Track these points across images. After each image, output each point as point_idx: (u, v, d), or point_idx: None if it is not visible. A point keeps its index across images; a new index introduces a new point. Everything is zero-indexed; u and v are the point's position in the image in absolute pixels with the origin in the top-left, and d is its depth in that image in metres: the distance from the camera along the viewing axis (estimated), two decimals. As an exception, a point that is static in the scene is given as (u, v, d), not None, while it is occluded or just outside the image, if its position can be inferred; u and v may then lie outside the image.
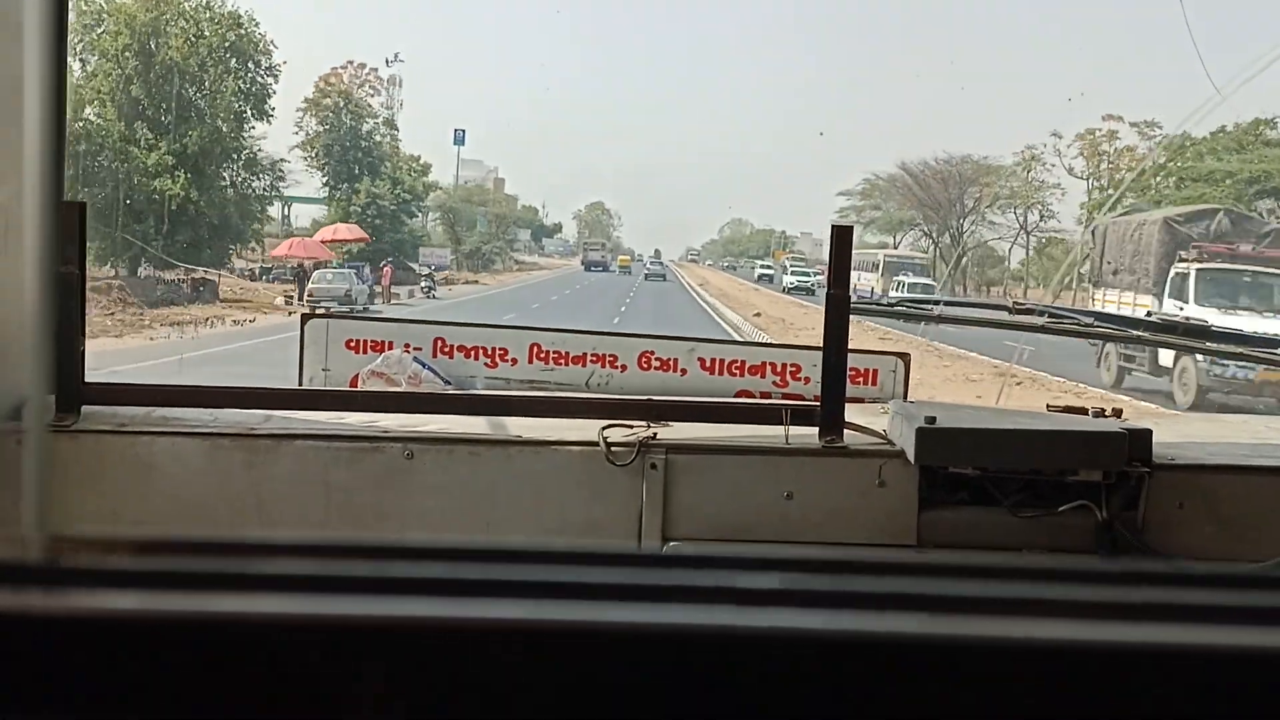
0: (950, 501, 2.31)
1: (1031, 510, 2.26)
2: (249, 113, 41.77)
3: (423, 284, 41.75)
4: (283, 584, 0.65)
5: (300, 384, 2.92)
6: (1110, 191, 55.78)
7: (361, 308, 32.27)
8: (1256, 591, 0.72)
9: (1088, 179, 59.79)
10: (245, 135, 42.08)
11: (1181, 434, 2.63)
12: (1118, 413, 2.64)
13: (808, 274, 52.03)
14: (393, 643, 0.63)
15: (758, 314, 34.65)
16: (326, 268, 36.67)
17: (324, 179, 56.06)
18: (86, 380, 2.38)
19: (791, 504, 2.32)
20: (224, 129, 40.22)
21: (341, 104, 57.42)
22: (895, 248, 68.08)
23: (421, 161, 60.54)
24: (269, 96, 42.56)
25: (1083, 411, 2.63)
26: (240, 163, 41.81)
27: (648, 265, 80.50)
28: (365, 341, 2.95)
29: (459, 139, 76.08)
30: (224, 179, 40.78)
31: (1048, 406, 2.73)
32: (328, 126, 56.45)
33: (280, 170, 46.66)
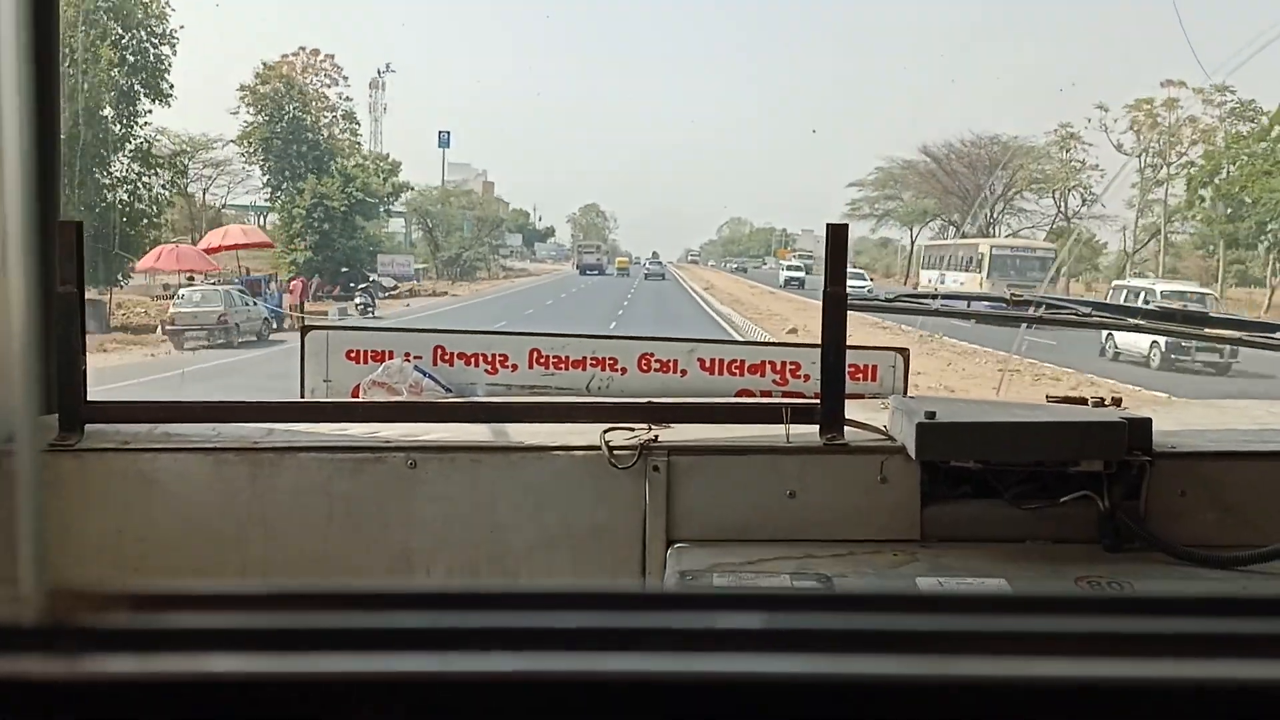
0: (953, 496, 2.32)
1: (1034, 502, 2.27)
2: (139, 91, 34.26)
3: (357, 300, 34.17)
4: (270, 640, 0.64)
5: (302, 396, 2.92)
6: (1170, 169, 48.96)
7: (252, 336, 25.27)
8: (1248, 619, 0.71)
9: (1141, 155, 51.01)
10: (137, 120, 34.53)
11: (1181, 421, 2.63)
12: (1117, 402, 2.65)
13: (862, 279, 41.87)
14: (383, 700, 0.62)
15: (792, 330, 27.02)
16: (199, 284, 28.00)
17: (264, 177, 49.28)
18: (89, 399, 2.39)
19: (794, 502, 2.33)
20: (107, 111, 33.17)
21: (284, 91, 50.44)
22: (913, 240, 63.89)
23: (390, 160, 55.12)
24: (165, 71, 34.92)
25: (1082, 402, 2.64)
26: (129, 155, 34.12)
27: (646, 266, 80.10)
28: (366, 352, 2.96)
29: (444, 141, 73.12)
30: (106, 174, 33.09)
31: (1047, 397, 2.74)
32: (267, 117, 49.35)
33: (180, 164, 39.44)
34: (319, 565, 2.33)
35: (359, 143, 56.23)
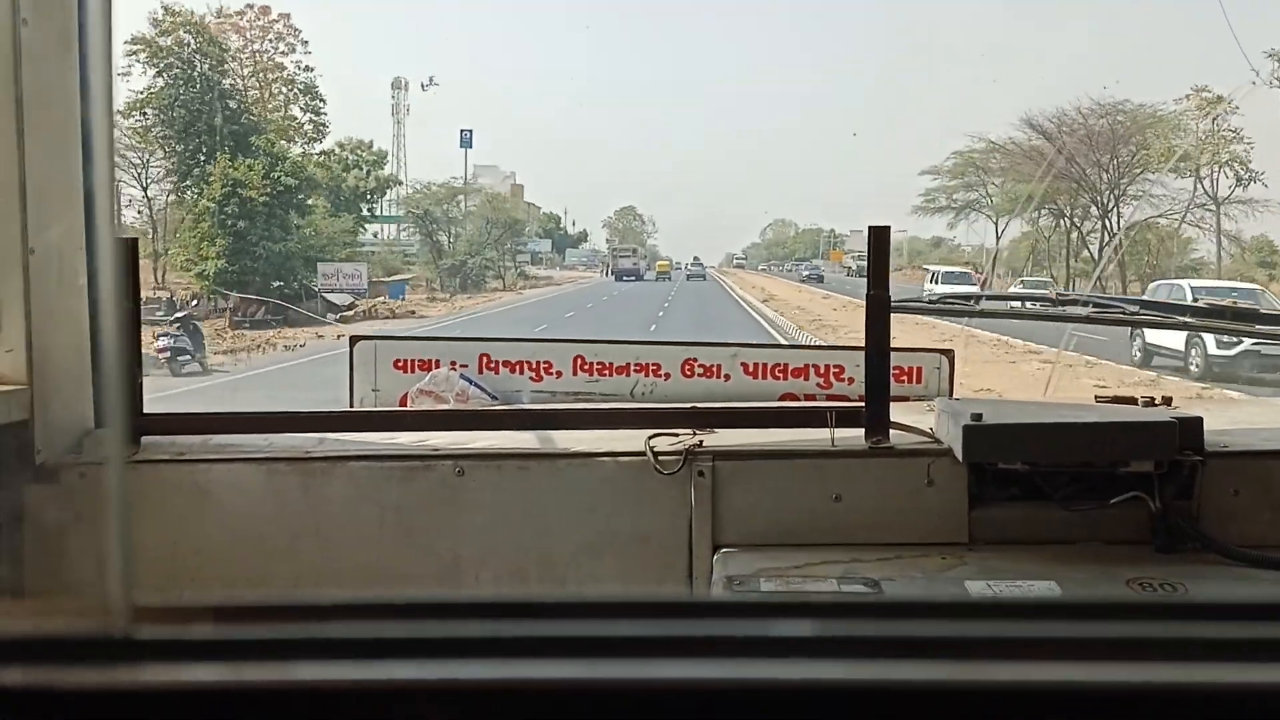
0: (1001, 498, 2.30)
1: (1084, 504, 2.25)
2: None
3: (160, 344, 21.05)
4: (320, 649, 0.66)
5: (351, 405, 2.97)
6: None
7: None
8: None
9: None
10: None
11: (1232, 420, 2.59)
12: (1167, 401, 2.61)
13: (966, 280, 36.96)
14: (444, 706, 0.64)
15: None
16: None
17: (165, 158, 37.44)
18: (145, 411, 2.44)
19: (840, 506, 2.33)
20: None
21: (191, 44, 38.26)
22: (998, 237, 54.66)
23: (373, 149, 48.42)
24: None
25: (1131, 401, 2.61)
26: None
27: (688, 269, 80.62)
28: (413, 361, 3.00)
29: (465, 140, 68.65)
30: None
31: (1096, 397, 2.71)
32: (171, 78, 36.84)
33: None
34: (371, 574, 2.37)
35: (324, 123, 47.45)
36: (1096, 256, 49.44)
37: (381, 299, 39.47)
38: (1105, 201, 48.91)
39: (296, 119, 47.59)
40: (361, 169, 48.04)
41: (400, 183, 53.51)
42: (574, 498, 2.38)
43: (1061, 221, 52.33)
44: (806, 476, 2.35)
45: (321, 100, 47.32)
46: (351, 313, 35.17)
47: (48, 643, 0.65)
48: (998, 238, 56.86)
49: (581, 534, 2.38)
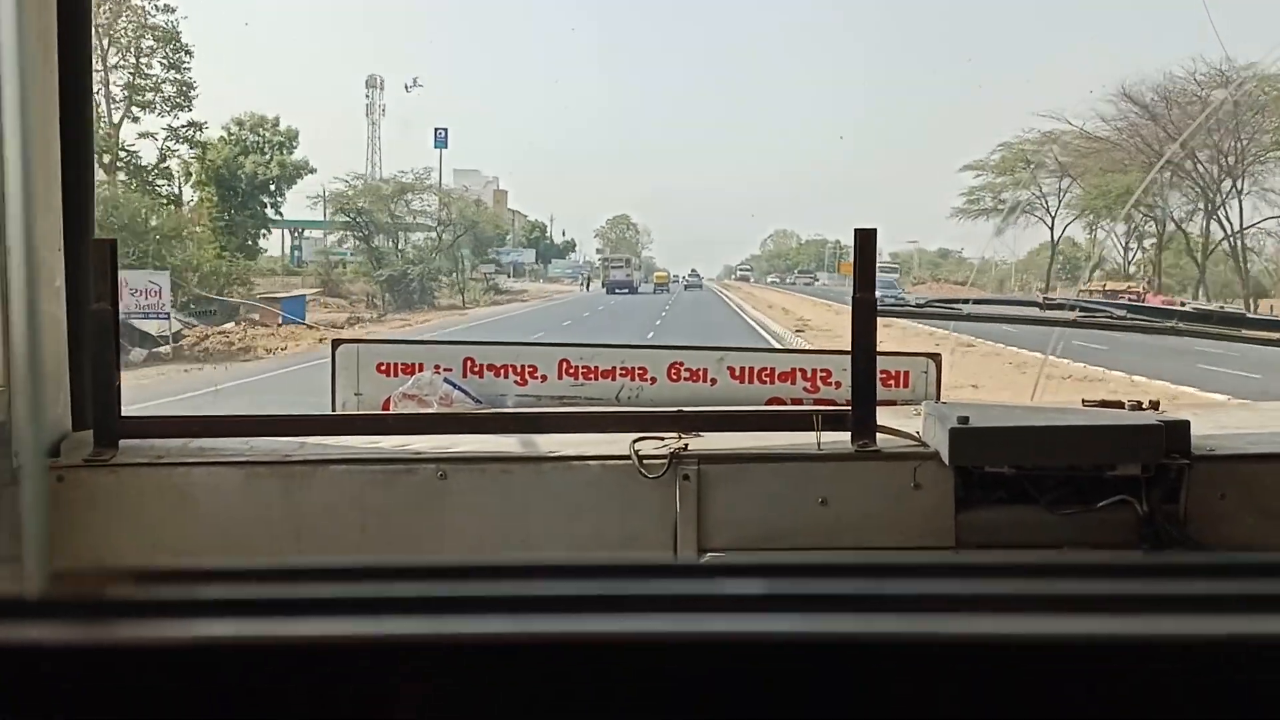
0: (987, 501, 2.29)
1: (1071, 507, 2.24)
2: None
3: None
4: (322, 607, 0.66)
5: (333, 409, 2.94)
6: None
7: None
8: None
9: None
10: None
11: (1219, 424, 2.59)
12: (1155, 405, 2.61)
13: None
14: (431, 661, 0.64)
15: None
16: None
17: None
18: (123, 414, 2.41)
19: (827, 510, 2.31)
20: None
21: None
22: (1054, 244, 47.12)
23: (282, 128, 39.40)
24: None
25: (1119, 405, 2.60)
26: None
27: (685, 281, 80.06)
28: (396, 364, 2.97)
29: (440, 140, 60.68)
30: None
31: (1083, 401, 2.71)
32: None
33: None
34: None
35: (190, 82, 37.92)
36: (1200, 265, 41.38)
37: (254, 318, 31.03)
38: (1214, 197, 40.04)
39: (154, 78, 37.85)
40: (263, 153, 38.64)
41: (314, 170, 42.41)
42: (558, 502, 2.36)
43: (1154, 223, 43.89)
44: (792, 480, 2.33)
45: (187, 52, 37.68)
46: (166, 349, 25.96)
47: None
48: (1054, 245, 48.98)
49: (565, 538, 2.35)
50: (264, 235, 43.15)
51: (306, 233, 52.44)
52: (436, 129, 60.68)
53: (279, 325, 30.40)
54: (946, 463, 2.21)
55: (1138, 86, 40.45)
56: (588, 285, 73.99)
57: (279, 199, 41.56)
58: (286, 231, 51.41)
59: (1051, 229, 49.01)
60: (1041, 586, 0.70)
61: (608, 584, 0.69)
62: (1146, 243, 47.42)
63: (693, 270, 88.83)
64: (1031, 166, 47.10)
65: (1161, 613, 0.66)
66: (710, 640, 0.64)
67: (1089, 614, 0.66)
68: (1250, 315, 3.20)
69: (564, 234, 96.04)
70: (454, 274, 49.77)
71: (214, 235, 36.49)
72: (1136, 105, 40.50)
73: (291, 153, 39.44)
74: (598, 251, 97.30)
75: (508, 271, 70.72)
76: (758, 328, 34.52)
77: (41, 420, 2.33)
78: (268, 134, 40.09)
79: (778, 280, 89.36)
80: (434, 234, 48.34)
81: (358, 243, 46.56)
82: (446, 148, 60.90)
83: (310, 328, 30.91)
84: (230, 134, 39.88)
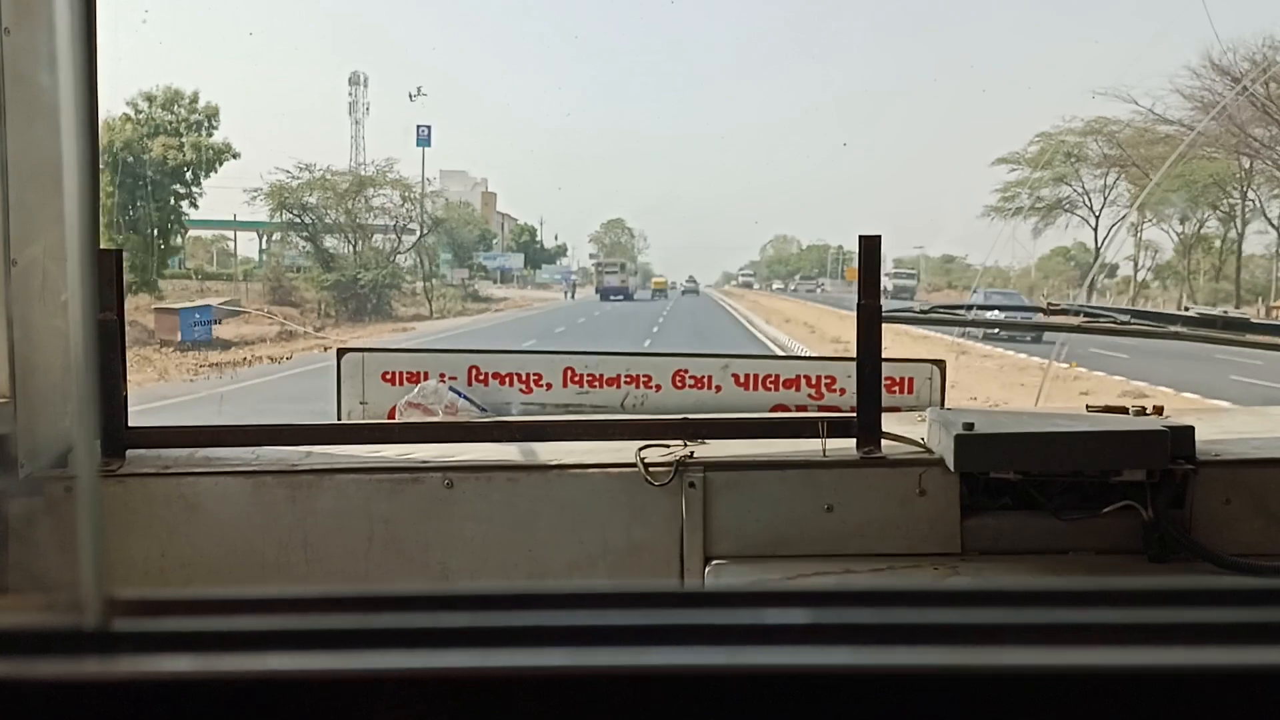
0: (993, 507, 2.29)
1: (1076, 513, 2.24)
2: None
3: None
4: (319, 640, 0.66)
5: (339, 418, 2.95)
6: None
7: None
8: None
9: None
10: None
11: (1224, 429, 2.59)
12: (1159, 410, 2.61)
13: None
14: (429, 695, 0.63)
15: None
16: None
17: None
18: (130, 424, 2.42)
19: (832, 516, 2.32)
20: None
21: None
22: (1098, 249, 42.02)
23: (202, 104, 33.48)
24: None
25: (1123, 410, 2.60)
26: None
27: (682, 286, 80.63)
28: (401, 373, 2.98)
29: (423, 139, 55.70)
30: None
31: (1088, 406, 2.71)
32: None
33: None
34: (360, 587, 2.35)
35: None
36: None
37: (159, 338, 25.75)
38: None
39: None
40: (177, 135, 32.63)
41: (237, 155, 35.20)
42: (564, 510, 2.36)
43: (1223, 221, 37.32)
44: (798, 487, 2.34)
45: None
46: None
47: (18, 636, 0.65)
48: (1098, 249, 43.19)
49: (572, 546, 2.36)
50: (177, 234, 36.26)
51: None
52: (419, 126, 55.94)
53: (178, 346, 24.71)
54: (952, 469, 2.21)
55: (1227, 55, 33.15)
56: (573, 293, 68.71)
57: (194, 190, 34.13)
58: (256, 233, 46.19)
59: (1095, 230, 43.31)
60: (1058, 615, 0.69)
61: (610, 614, 0.68)
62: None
63: (690, 277, 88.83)
64: (1072, 159, 41.28)
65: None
66: (717, 673, 0.63)
67: (1115, 646, 0.65)
68: (1256, 320, 3.20)
69: (556, 238, 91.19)
70: (423, 280, 44.55)
71: (105, 231, 28.85)
72: (1222, 73, 32.87)
73: (211, 134, 32.67)
74: (591, 256, 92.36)
75: (495, 277, 66.69)
76: (778, 350, 27.06)
77: (48, 431, 2.34)
78: (183, 112, 33.51)
79: (783, 287, 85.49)
80: (393, 235, 42.74)
81: (304, 244, 40.52)
82: (430, 146, 56.13)
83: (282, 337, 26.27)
84: (138, 112, 33.49)
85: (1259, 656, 0.65)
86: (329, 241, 40.60)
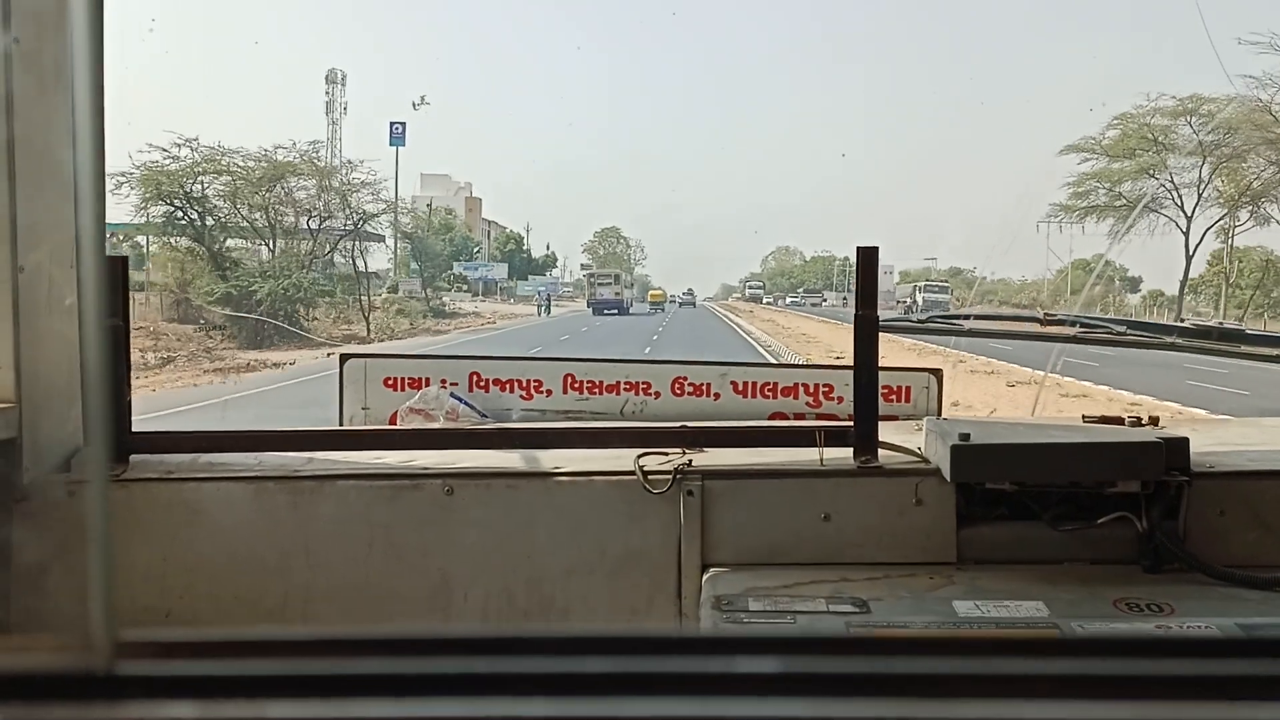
0: (989, 517, 2.31)
1: (1071, 523, 2.26)
2: None
3: None
4: (295, 686, 0.67)
5: (341, 424, 2.97)
6: None
7: None
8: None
9: None
10: None
11: (1219, 440, 2.61)
12: (1154, 421, 2.63)
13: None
14: None
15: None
16: None
17: None
18: (134, 430, 2.44)
19: (829, 525, 2.33)
20: None
21: None
22: (1189, 257, 34.43)
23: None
24: None
25: (1119, 421, 2.62)
26: None
27: (679, 299, 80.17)
28: (403, 379, 3.00)
29: (396, 136, 51.40)
30: None
31: (1084, 417, 2.73)
32: None
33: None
34: (360, 593, 2.36)
35: None
36: None
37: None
38: None
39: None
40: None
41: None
42: (563, 517, 2.38)
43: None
44: (795, 496, 2.35)
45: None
46: None
47: (27, 680, 0.66)
48: (1188, 259, 36.26)
49: (571, 553, 2.38)
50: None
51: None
52: (392, 124, 51.16)
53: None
54: (948, 479, 2.23)
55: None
56: (548, 308, 57.06)
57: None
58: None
59: (1186, 235, 35.69)
60: (1080, 666, 0.69)
61: (612, 661, 0.69)
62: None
63: (688, 289, 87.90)
64: (1159, 146, 33.94)
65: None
66: None
67: (1164, 700, 0.65)
68: (1249, 331, 3.22)
69: (549, 248, 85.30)
70: (360, 294, 37.26)
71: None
72: None
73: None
74: (583, 267, 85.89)
75: (477, 288, 60.38)
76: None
77: (53, 435, 2.36)
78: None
79: (798, 300, 76.58)
80: (317, 234, 34.60)
81: (193, 244, 32.02)
82: (404, 145, 51.79)
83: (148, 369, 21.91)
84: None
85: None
86: (239, 243, 32.55)
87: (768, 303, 77.55)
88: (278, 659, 0.69)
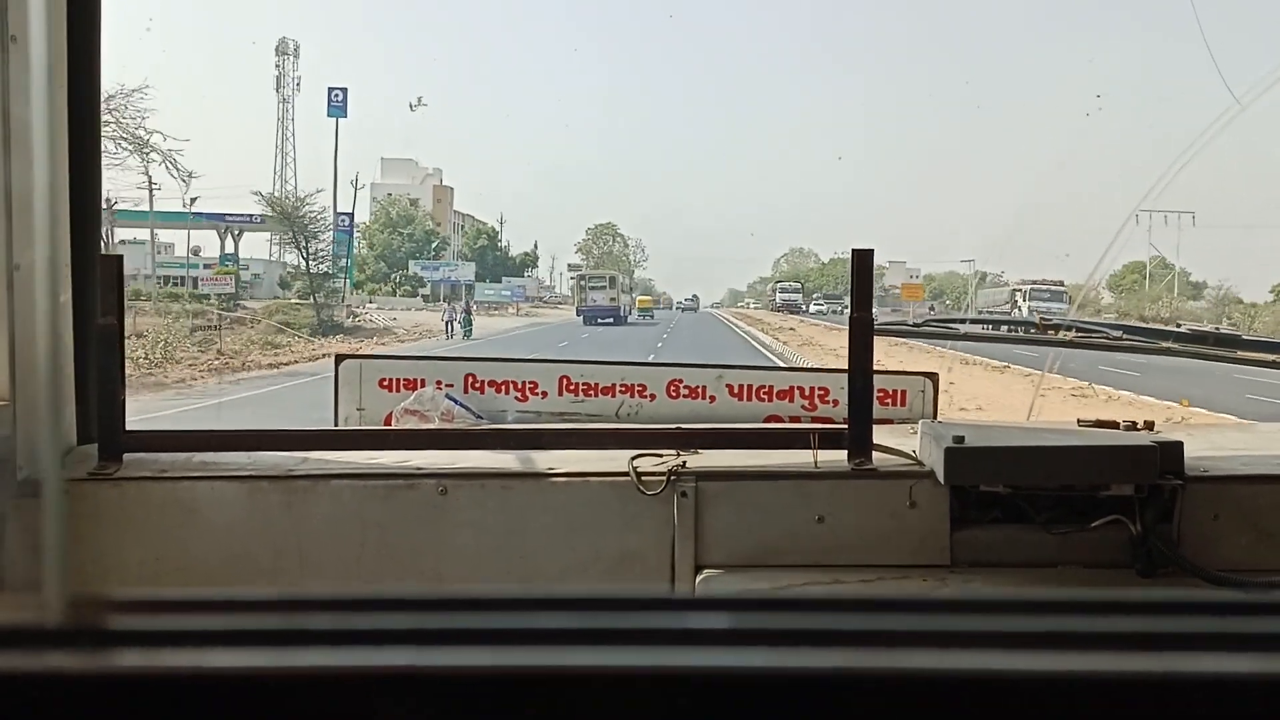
0: (982, 520, 2.31)
1: (1065, 526, 2.26)
2: None
3: None
4: (318, 638, 0.68)
5: (336, 424, 2.96)
6: None
7: None
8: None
9: None
10: None
11: (1213, 444, 2.61)
12: (1149, 425, 2.63)
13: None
14: (420, 694, 0.65)
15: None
16: None
17: None
18: (128, 429, 2.43)
19: (823, 527, 2.33)
20: None
21: None
22: None
23: None
24: None
25: (1113, 425, 2.62)
26: None
27: (682, 305, 78.49)
28: (398, 380, 3.00)
29: (336, 105, 42.71)
30: None
31: (1079, 421, 2.73)
32: None
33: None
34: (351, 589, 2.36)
35: None
36: None
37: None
38: None
39: None
40: None
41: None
42: (558, 518, 2.37)
43: None
44: (789, 498, 2.35)
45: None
46: None
47: None
48: None
49: (565, 554, 2.37)
50: None
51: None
52: (331, 89, 42.54)
53: None
54: (942, 481, 2.23)
55: None
56: (467, 327, 39.69)
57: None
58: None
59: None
60: (1047, 623, 0.71)
61: (598, 617, 0.69)
62: None
63: (693, 295, 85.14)
64: None
65: (1170, 649, 0.67)
66: (701, 674, 0.65)
67: (1093, 651, 0.66)
68: (1246, 336, 3.22)
69: (535, 246, 73.88)
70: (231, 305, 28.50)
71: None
72: None
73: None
74: (571, 267, 73.50)
75: (441, 292, 50.44)
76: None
77: (47, 434, 2.36)
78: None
79: (824, 309, 56.54)
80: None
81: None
82: (345, 116, 42.97)
83: None
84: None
85: (1247, 664, 0.66)
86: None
87: (806, 311, 58.32)
88: (225, 614, 0.71)
